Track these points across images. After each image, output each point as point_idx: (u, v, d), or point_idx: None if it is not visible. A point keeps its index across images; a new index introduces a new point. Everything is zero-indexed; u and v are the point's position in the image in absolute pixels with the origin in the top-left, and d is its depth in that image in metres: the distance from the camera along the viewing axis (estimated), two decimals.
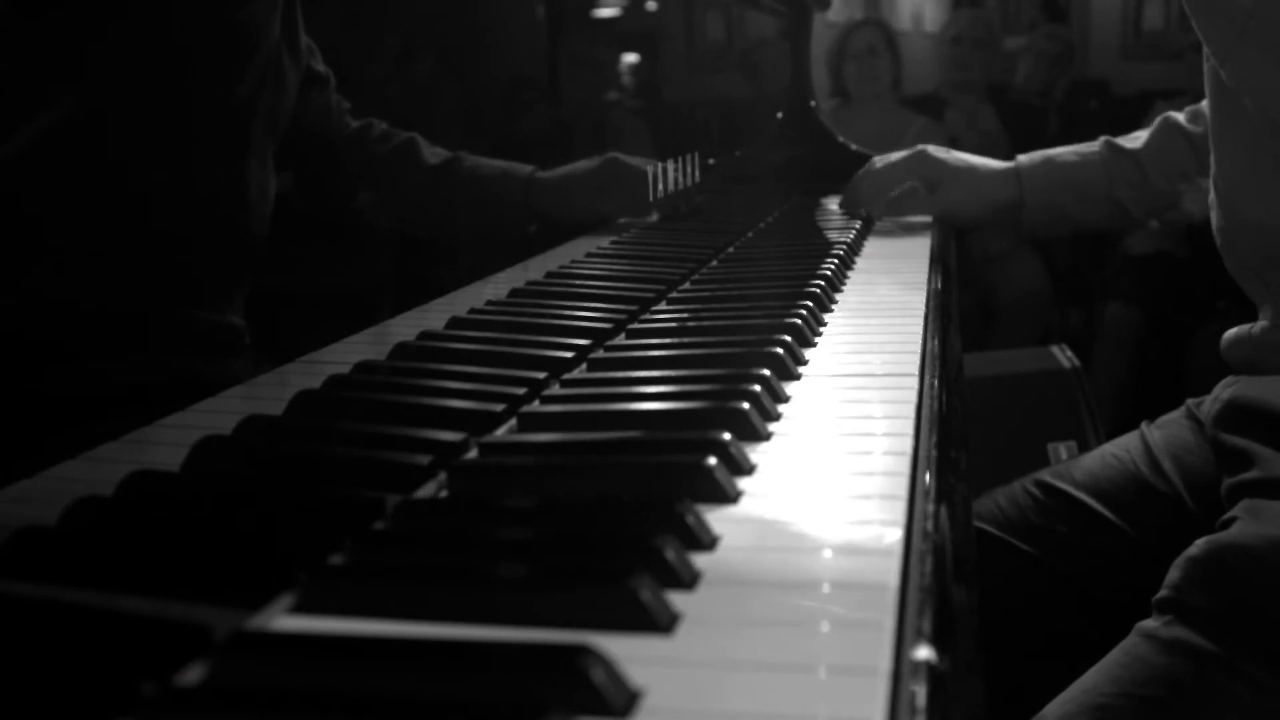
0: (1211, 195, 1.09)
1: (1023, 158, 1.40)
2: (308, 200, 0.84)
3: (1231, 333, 1.08)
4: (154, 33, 0.65)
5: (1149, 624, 0.84)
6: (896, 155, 1.47)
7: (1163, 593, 0.85)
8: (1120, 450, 1.12)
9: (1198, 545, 0.86)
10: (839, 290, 1.00)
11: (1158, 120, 1.35)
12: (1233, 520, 0.88)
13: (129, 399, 0.61)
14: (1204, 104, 1.35)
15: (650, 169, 1.23)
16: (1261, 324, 1.04)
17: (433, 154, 1.11)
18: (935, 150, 1.44)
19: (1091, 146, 1.37)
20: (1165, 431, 1.11)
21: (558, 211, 1.08)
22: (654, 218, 1.34)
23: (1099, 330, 3.17)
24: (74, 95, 0.64)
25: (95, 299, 0.61)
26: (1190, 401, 1.13)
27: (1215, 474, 1.01)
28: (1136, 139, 1.36)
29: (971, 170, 1.41)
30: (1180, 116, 1.34)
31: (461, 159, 1.12)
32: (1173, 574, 0.86)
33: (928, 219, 1.44)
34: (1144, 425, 1.15)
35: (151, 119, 0.65)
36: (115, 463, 0.54)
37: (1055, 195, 1.37)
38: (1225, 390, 1.04)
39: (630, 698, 0.34)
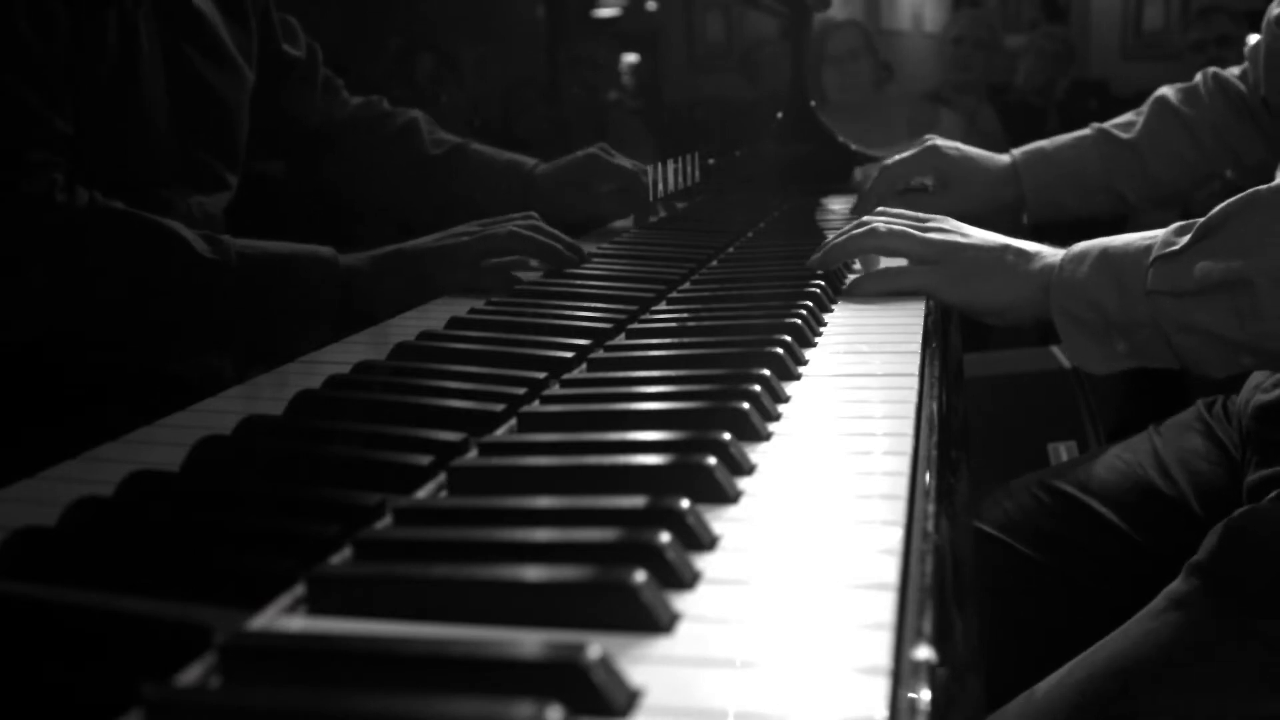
0: None
1: (1017, 153, 1.38)
2: (306, 191, 0.84)
3: None
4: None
5: (1178, 588, 0.83)
6: (907, 152, 1.47)
7: (1198, 557, 0.84)
8: (1128, 454, 1.11)
9: (1238, 513, 0.85)
10: (839, 290, 1.00)
11: (1151, 101, 1.34)
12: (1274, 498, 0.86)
13: (128, 397, 0.61)
14: (1197, 80, 1.35)
15: (633, 166, 1.22)
16: None
17: (435, 142, 1.10)
18: (945, 145, 1.43)
19: (1085, 134, 1.36)
20: (1173, 436, 1.11)
21: (555, 208, 1.07)
22: (652, 218, 1.34)
23: None
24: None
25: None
26: (1202, 402, 1.12)
27: (1224, 478, 1.00)
28: (1130, 126, 1.35)
29: (975, 170, 1.40)
30: (1173, 96, 1.33)
31: (467, 146, 1.11)
32: (1210, 540, 0.85)
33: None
34: (1151, 429, 1.14)
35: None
36: (115, 463, 0.54)
37: (1054, 190, 1.36)
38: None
39: (630, 697, 0.34)
